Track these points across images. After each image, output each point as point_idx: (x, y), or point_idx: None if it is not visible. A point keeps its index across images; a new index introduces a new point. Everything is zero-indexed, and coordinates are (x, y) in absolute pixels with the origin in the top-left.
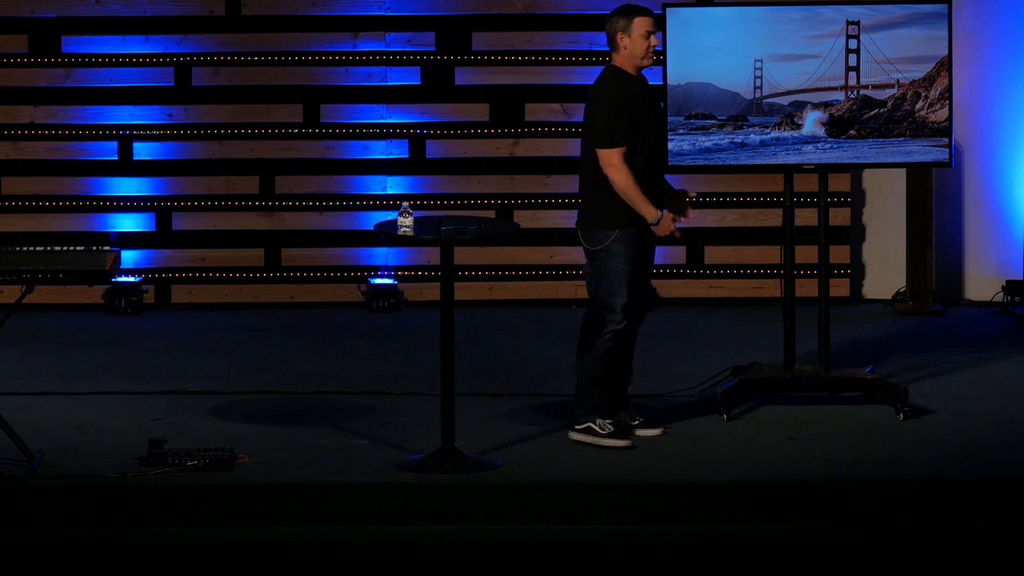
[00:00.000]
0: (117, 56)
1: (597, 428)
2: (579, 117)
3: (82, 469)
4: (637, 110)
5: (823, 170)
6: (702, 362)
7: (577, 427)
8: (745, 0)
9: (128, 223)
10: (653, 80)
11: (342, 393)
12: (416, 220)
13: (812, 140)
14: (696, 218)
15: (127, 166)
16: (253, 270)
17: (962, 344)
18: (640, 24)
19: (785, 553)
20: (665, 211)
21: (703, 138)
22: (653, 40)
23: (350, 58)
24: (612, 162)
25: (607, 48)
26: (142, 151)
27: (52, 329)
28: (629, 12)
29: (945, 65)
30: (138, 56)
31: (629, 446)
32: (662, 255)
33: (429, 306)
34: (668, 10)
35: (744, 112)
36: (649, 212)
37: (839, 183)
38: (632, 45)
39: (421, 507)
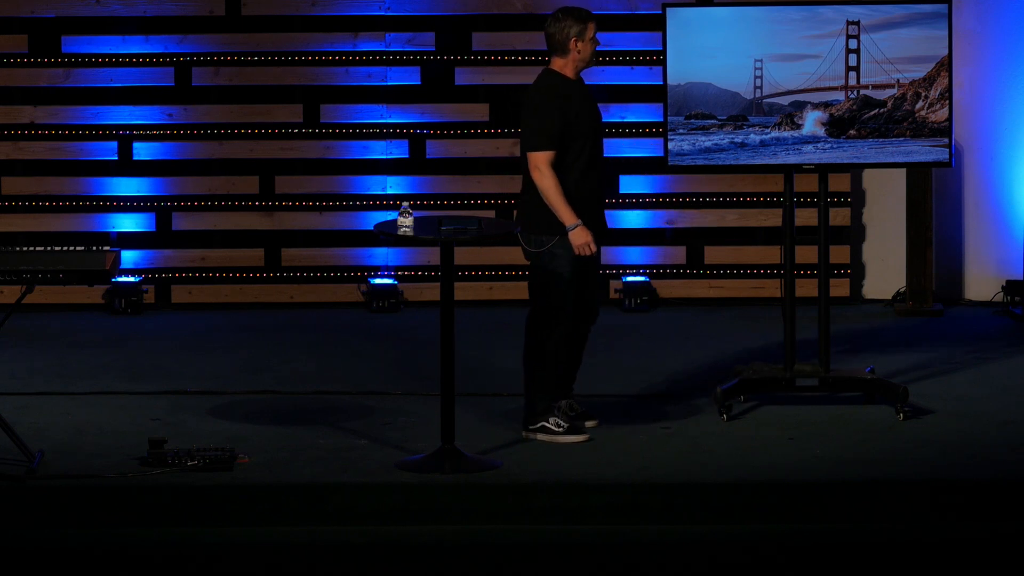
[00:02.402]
0: (117, 56)
1: (551, 427)
2: None
3: (82, 469)
4: (573, 116)
5: (823, 170)
6: (702, 362)
7: (531, 426)
8: (745, 0)
9: (128, 223)
10: (653, 80)
11: (342, 393)
12: (416, 220)
13: (812, 140)
14: (696, 218)
15: (127, 166)
16: (253, 270)
17: (962, 344)
18: (591, 28)
19: (785, 553)
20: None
21: (703, 138)
22: (597, 42)
23: (350, 58)
24: (538, 165)
25: (607, 48)
26: (142, 151)
27: (52, 329)
28: (582, 17)
29: (945, 65)
30: (138, 56)
31: (587, 440)
32: (662, 255)
33: (429, 306)
34: (668, 10)
35: (744, 112)
36: (567, 218)
37: (839, 183)
38: (584, 50)
39: (421, 507)
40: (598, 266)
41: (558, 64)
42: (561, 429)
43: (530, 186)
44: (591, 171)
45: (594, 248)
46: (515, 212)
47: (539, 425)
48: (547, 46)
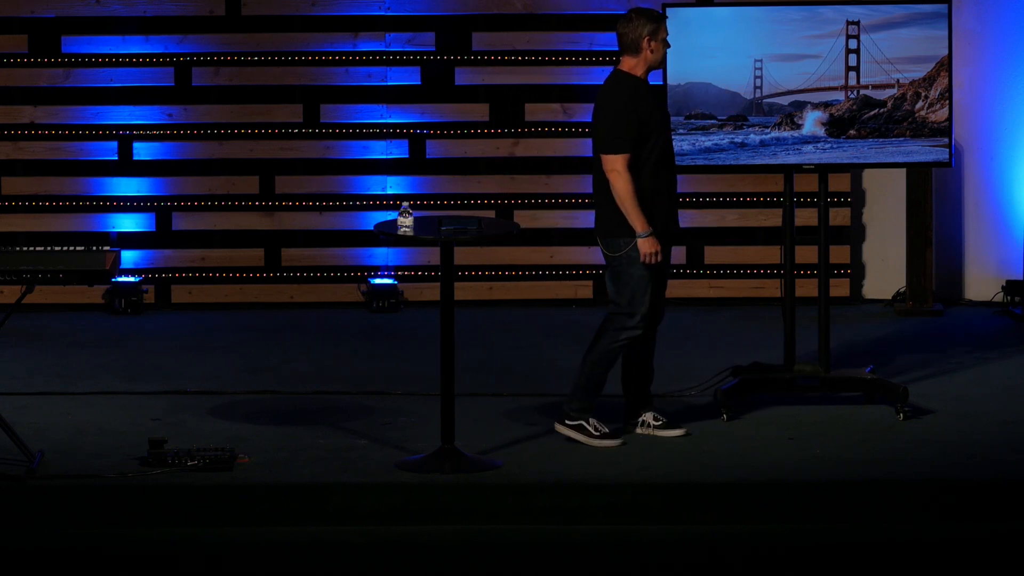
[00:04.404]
0: (117, 56)
1: (590, 428)
2: (579, 117)
3: (82, 469)
4: (646, 114)
5: (823, 170)
6: (702, 362)
7: (568, 422)
8: (745, 0)
9: (128, 223)
10: (653, 80)
11: (342, 393)
12: (416, 220)
13: (812, 140)
14: (696, 218)
15: (127, 166)
16: (253, 270)
17: (962, 344)
18: (664, 29)
19: (785, 553)
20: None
21: (703, 138)
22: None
23: (350, 58)
24: (615, 168)
25: (607, 48)
26: (142, 151)
27: (52, 329)
28: (654, 17)
29: (945, 65)
30: (138, 56)
31: (622, 444)
32: None
33: (429, 306)
34: (668, 10)
35: (744, 112)
36: (640, 224)
37: (839, 183)
38: (657, 50)
39: (421, 507)
40: (670, 267)
41: (629, 64)
42: (598, 433)
43: (607, 189)
44: (663, 169)
45: (660, 259)
46: (595, 220)
47: (577, 423)
48: (618, 46)
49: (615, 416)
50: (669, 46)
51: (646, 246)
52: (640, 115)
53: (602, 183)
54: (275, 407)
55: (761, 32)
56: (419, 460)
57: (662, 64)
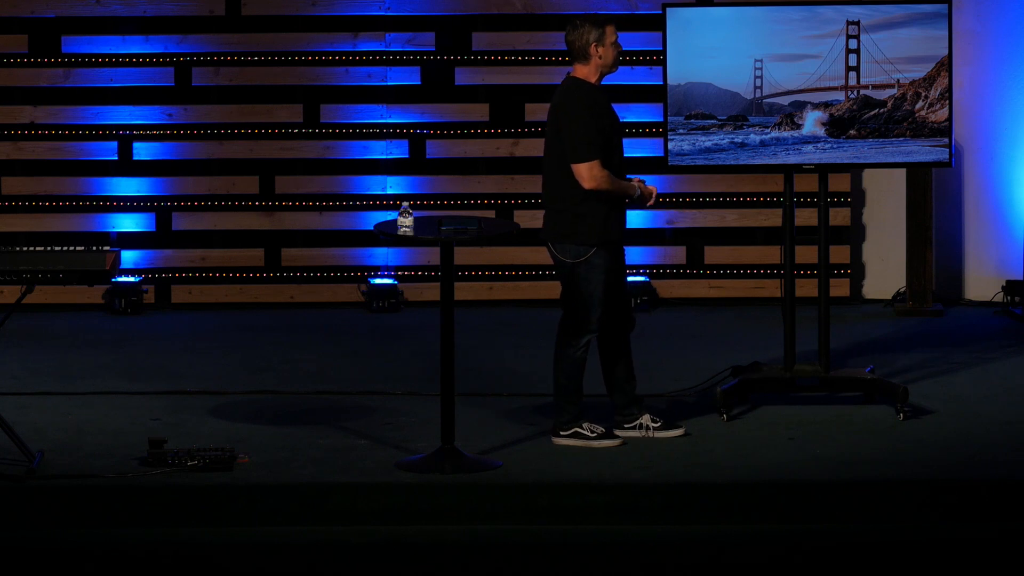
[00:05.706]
0: (117, 56)
1: (586, 432)
2: None
3: (82, 469)
4: (607, 123)
5: (823, 170)
6: (702, 362)
7: (563, 433)
8: (745, 0)
9: (128, 223)
10: (653, 80)
11: (342, 393)
12: (416, 220)
13: (812, 140)
14: (696, 218)
15: (127, 166)
16: (253, 270)
17: (962, 344)
18: (611, 32)
19: (785, 553)
20: (634, 181)
21: (703, 138)
22: (619, 46)
23: (350, 58)
24: (593, 174)
25: None
26: (142, 151)
27: (52, 329)
28: (599, 21)
29: (945, 65)
30: (138, 56)
31: (622, 444)
32: (662, 255)
33: (429, 306)
34: (668, 10)
35: (744, 112)
36: (632, 191)
37: (839, 183)
38: (607, 55)
39: (421, 507)
40: (626, 270)
41: (582, 71)
42: (595, 434)
43: (562, 195)
44: (620, 175)
45: (656, 190)
46: (544, 223)
47: (572, 431)
48: (568, 54)
49: (606, 417)
50: (621, 47)
51: (645, 197)
52: (601, 123)
53: (558, 189)
54: (275, 407)
55: (761, 32)
56: (419, 460)
57: (614, 68)
